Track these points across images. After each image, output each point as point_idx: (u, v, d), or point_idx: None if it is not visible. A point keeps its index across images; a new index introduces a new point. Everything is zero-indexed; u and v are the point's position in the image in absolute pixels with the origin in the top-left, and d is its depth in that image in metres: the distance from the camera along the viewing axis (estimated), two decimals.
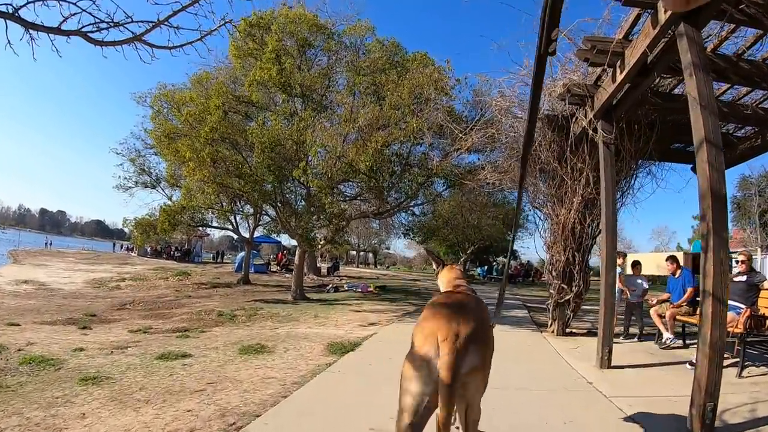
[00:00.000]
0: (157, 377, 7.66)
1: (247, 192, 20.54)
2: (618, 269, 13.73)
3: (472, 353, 3.26)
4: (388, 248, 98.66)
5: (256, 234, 38.27)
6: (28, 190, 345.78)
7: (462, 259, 36.71)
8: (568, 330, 14.06)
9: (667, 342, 11.92)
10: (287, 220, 21.13)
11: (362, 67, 20.84)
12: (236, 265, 41.97)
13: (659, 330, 12.45)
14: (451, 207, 35.90)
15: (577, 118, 11.68)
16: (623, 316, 14.32)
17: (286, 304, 20.95)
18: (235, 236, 35.45)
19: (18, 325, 13.07)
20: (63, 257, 53.82)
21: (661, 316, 12.42)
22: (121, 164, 31.29)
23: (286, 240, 48.31)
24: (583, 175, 12.45)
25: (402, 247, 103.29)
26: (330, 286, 29.83)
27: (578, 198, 12.69)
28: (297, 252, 24.85)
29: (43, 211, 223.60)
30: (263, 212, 30.10)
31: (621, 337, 13.39)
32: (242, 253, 39.35)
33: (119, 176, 31.56)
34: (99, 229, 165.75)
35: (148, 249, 62.50)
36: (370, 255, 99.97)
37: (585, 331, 14.84)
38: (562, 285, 13.41)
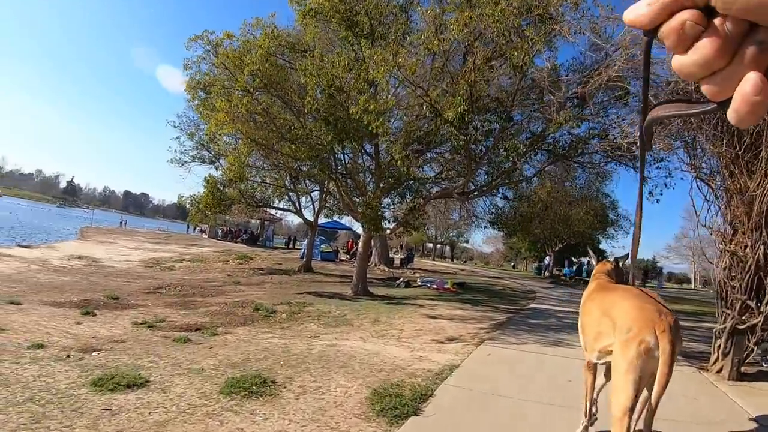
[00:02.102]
0: None
1: (300, 158, 17.07)
2: None
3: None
4: (466, 242, 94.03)
5: (328, 219, 36.01)
6: (114, 172, 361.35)
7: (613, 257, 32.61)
8: (742, 370, 9.25)
9: None
10: (349, 197, 17.17)
11: None
12: (302, 251, 38.27)
13: None
14: (547, 194, 30.97)
15: None
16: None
17: (343, 300, 17.34)
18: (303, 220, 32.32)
19: (19, 303, 12.08)
20: (133, 236, 53.51)
21: None
22: (177, 137, 29.57)
23: (358, 227, 44.97)
24: None
25: (479, 241, 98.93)
26: (401, 280, 25.67)
27: None
28: (361, 238, 20.79)
29: (127, 193, 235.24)
30: (328, 191, 26.34)
31: None
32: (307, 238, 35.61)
33: (175, 150, 29.54)
34: (180, 212, 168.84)
35: (219, 231, 61.52)
36: (447, 248, 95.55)
37: (755, 370, 10.06)
38: (748, 302, 8.59)
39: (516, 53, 12.53)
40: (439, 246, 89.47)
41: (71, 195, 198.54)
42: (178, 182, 63.76)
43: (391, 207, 20.85)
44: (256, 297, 17.04)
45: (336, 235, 56.49)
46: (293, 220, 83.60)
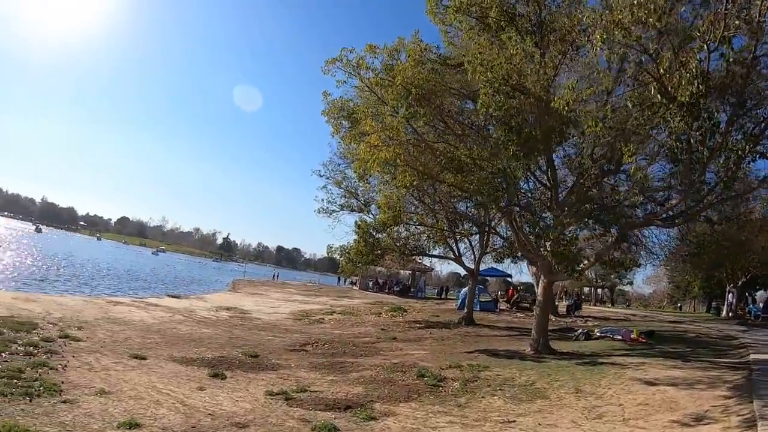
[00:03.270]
0: None
1: (468, 190, 14.69)
2: None
3: None
4: (630, 283, 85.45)
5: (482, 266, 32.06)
6: (268, 230, 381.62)
7: None
8: None
9: None
10: (525, 235, 14.28)
11: None
12: (459, 301, 35.80)
13: None
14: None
15: None
16: None
17: (523, 361, 14.34)
18: (462, 271, 30.41)
19: (143, 358, 11.64)
20: (284, 288, 54.01)
21: None
22: (324, 186, 29.85)
23: (516, 273, 41.78)
24: None
25: (639, 281, 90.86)
26: (579, 331, 22.01)
27: None
28: (540, 284, 17.56)
29: (280, 248, 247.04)
30: (492, 231, 24.09)
31: None
32: (466, 288, 33.30)
33: (322, 199, 29.70)
34: (331, 265, 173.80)
35: (370, 283, 59.82)
36: (601, 292, 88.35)
37: None
38: None
39: None
40: (599, 290, 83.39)
41: (227, 250, 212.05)
42: (327, 233, 64.17)
43: (588, 240, 17.50)
44: (418, 357, 15.01)
45: (486, 284, 53.49)
46: (443, 269, 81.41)
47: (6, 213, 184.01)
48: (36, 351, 10.58)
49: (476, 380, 11.35)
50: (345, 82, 18.26)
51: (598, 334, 21.79)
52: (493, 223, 23.33)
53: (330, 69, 17.77)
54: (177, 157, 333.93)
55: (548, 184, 15.69)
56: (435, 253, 28.87)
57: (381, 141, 13.61)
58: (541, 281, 16.91)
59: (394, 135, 13.68)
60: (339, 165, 29.14)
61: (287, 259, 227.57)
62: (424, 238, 25.96)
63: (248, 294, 41.50)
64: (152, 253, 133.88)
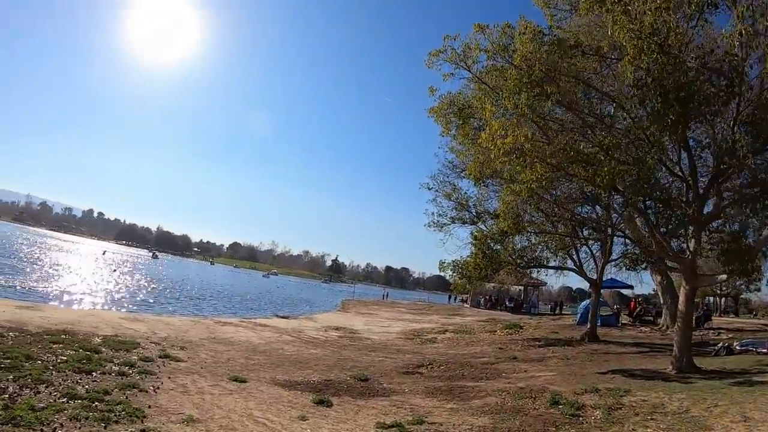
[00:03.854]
0: None
1: (601, 184, 13.12)
2: None
3: None
4: (758, 289, 79.07)
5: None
6: (376, 251, 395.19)
7: None
8: None
9: None
10: (662, 235, 13.55)
11: None
12: (579, 315, 33.98)
13: None
14: None
15: None
16: None
17: (668, 383, 12.46)
18: (575, 285, 28.95)
19: (243, 381, 11.17)
20: (393, 307, 54.08)
21: None
22: (433, 199, 29.38)
23: (637, 283, 39.30)
24: None
25: (764, 288, 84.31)
26: (720, 345, 19.95)
27: None
28: (681, 292, 15.66)
29: (389, 268, 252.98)
30: (618, 233, 22.67)
31: None
32: (587, 301, 31.82)
33: (432, 213, 29.21)
34: (440, 283, 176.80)
35: (481, 300, 58.81)
36: (726, 301, 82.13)
37: None
38: None
39: None
40: (722, 299, 77.85)
41: (336, 272, 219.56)
42: (437, 250, 64.89)
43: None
44: (546, 380, 13.58)
45: (601, 295, 51.15)
46: (555, 283, 79.19)
47: (124, 241, 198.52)
48: (130, 371, 10.31)
49: (620, 407, 9.81)
50: (452, 74, 17.22)
51: (737, 347, 19.71)
52: (619, 226, 21.82)
53: (434, 62, 16.87)
54: (285, 186, 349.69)
55: (682, 174, 14.04)
56: (552, 264, 27.55)
57: (503, 128, 12.53)
58: (682, 288, 14.98)
59: (514, 126, 12.50)
60: (448, 176, 28.72)
61: (396, 278, 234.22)
62: (540, 248, 25.16)
63: (358, 314, 41.76)
64: (263, 276, 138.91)
